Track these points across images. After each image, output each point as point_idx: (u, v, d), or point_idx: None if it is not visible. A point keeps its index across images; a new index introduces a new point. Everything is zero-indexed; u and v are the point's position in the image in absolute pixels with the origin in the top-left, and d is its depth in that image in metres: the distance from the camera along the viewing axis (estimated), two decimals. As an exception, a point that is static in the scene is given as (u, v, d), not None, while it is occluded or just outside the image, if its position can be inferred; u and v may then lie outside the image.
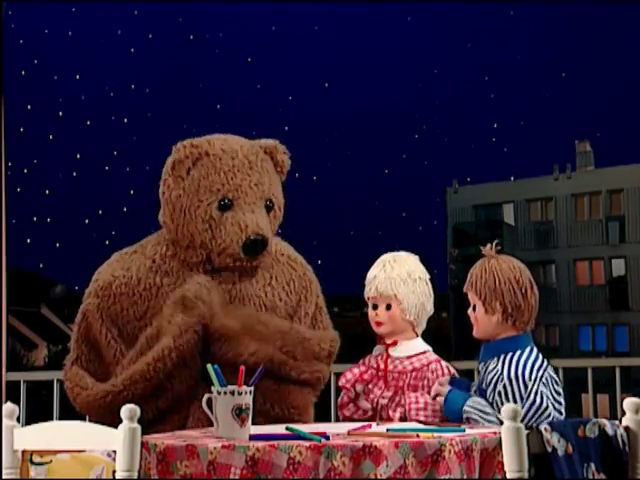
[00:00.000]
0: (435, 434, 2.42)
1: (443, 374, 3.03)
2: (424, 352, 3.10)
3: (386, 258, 3.16)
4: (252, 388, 2.60)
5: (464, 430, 2.55)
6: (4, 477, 2.47)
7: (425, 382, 3.02)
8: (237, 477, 2.28)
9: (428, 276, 3.17)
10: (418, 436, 2.40)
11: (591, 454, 2.46)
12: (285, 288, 3.31)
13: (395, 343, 3.11)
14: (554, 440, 2.41)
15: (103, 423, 2.51)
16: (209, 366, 2.63)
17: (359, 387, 3.06)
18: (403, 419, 2.94)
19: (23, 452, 2.49)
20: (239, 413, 2.53)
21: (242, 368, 2.61)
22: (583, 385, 4.77)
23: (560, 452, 2.41)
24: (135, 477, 2.31)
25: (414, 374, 3.04)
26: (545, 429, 2.42)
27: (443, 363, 3.08)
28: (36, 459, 2.54)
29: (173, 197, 3.26)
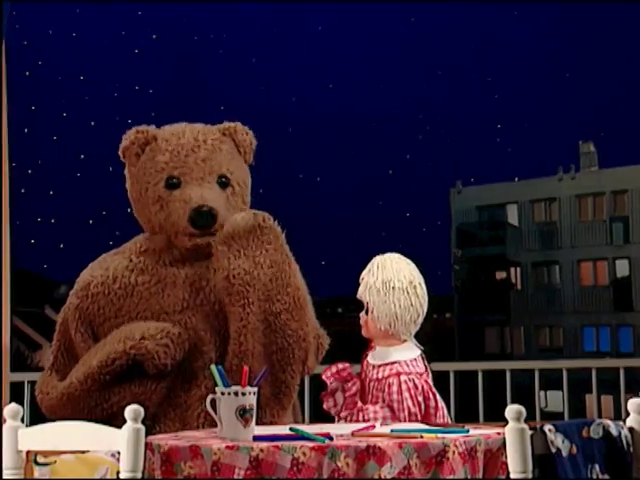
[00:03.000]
0: (439, 435, 2.42)
1: (399, 391, 2.94)
2: (393, 362, 3.02)
3: (375, 261, 3.12)
4: (256, 389, 2.60)
5: (468, 431, 2.55)
6: (7, 477, 2.47)
7: (381, 394, 2.98)
8: (241, 478, 2.28)
9: (417, 283, 3.07)
10: (422, 437, 2.40)
11: (595, 455, 2.46)
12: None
13: (372, 348, 3.11)
14: (558, 441, 2.41)
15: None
16: (213, 367, 2.63)
17: (334, 384, 3.03)
18: None
19: (27, 453, 2.50)
20: (243, 414, 2.53)
21: (245, 369, 2.61)
22: (587, 386, 4.77)
23: (564, 453, 2.41)
24: (139, 478, 2.31)
25: (376, 385, 3.01)
26: (549, 430, 2.42)
27: (403, 378, 2.96)
28: (40, 460, 2.54)
29: (129, 186, 3.30)
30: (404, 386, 2.96)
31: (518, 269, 29.07)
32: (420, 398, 2.95)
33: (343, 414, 2.99)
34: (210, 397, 2.60)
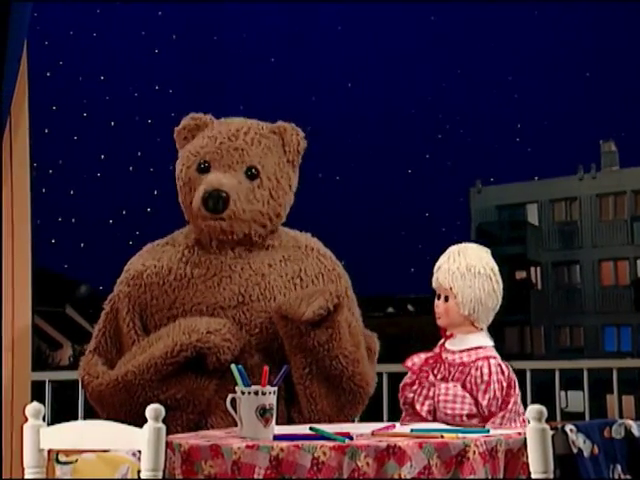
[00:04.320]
0: (459, 435, 2.42)
1: (490, 372, 2.93)
2: (477, 348, 3.01)
3: (453, 249, 3.11)
4: (276, 388, 2.60)
5: (489, 431, 2.55)
6: (29, 477, 2.49)
7: (468, 378, 2.94)
8: (261, 477, 2.29)
9: (493, 271, 3.07)
10: (442, 437, 2.39)
11: (617, 455, 2.45)
12: (314, 281, 3.30)
13: (451, 335, 3.06)
14: (580, 441, 2.40)
15: (112, 413, 2.52)
16: (233, 366, 2.64)
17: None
18: (432, 412, 2.92)
19: (49, 451, 2.51)
20: (263, 413, 2.53)
21: (266, 368, 2.61)
22: (608, 386, 4.74)
23: (586, 453, 2.40)
24: (160, 477, 2.32)
25: (460, 368, 2.98)
26: (570, 430, 2.41)
27: (492, 361, 2.96)
28: (62, 458, 2.56)
29: (176, 169, 3.34)
30: (494, 369, 2.95)
31: (538, 269, 28.98)
32: (504, 384, 2.94)
33: (414, 387, 2.98)
34: (230, 396, 2.60)
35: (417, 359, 3.05)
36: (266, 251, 3.30)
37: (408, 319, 28.15)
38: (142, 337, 3.19)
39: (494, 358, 2.99)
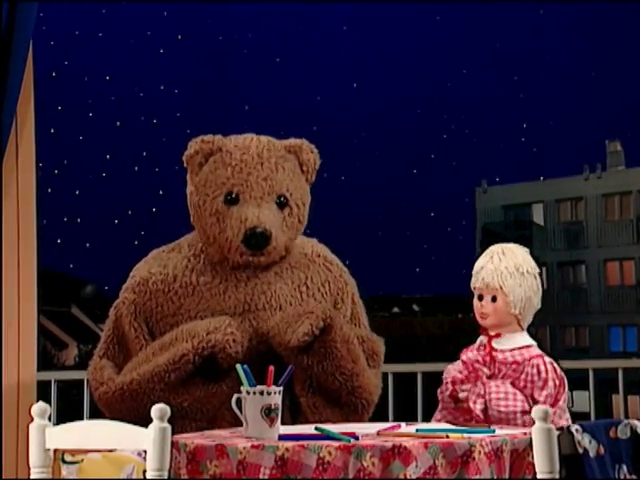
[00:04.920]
0: (465, 435, 2.42)
1: (546, 370, 2.94)
2: (527, 346, 3.01)
3: (495, 249, 3.10)
4: (281, 388, 2.60)
5: (494, 431, 2.54)
6: (35, 477, 2.49)
7: (523, 376, 2.94)
8: (266, 477, 2.29)
9: (537, 270, 3.09)
10: (448, 437, 2.39)
11: (623, 455, 2.45)
12: (320, 289, 3.30)
13: (499, 335, 3.04)
14: (585, 441, 2.40)
15: (119, 419, 2.52)
16: (238, 366, 2.64)
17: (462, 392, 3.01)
18: (484, 410, 2.90)
19: (55, 451, 2.51)
20: (268, 413, 2.54)
21: (271, 368, 2.61)
22: (614, 386, 4.74)
23: (591, 453, 2.40)
24: (165, 477, 2.32)
25: (514, 367, 2.97)
26: (576, 430, 2.41)
27: (546, 359, 2.97)
28: (67, 458, 2.56)
29: (188, 193, 3.31)
30: (549, 367, 2.95)
31: (544, 269, 28.94)
32: (557, 382, 2.95)
33: (465, 386, 2.97)
34: (236, 396, 2.61)
35: (471, 354, 3.04)
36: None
37: (413, 319, 28.15)
38: (149, 342, 3.20)
39: (546, 356, 3.00)
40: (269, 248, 3.18)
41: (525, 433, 2.45)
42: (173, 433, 2.37)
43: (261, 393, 2.55)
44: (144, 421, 2.39)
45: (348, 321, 3.31)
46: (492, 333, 3.04)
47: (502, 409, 2.87)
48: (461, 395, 2.97)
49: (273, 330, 3.10)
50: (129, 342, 3.23)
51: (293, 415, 3.12)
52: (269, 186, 3.22)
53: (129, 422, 2.44)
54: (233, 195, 3.21)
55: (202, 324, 3.10)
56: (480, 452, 2.34)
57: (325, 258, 3.38)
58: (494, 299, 3.03)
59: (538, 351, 3.01)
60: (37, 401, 2.67)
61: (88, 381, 3.25)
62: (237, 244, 3.17)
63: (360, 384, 3.15)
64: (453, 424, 2.79)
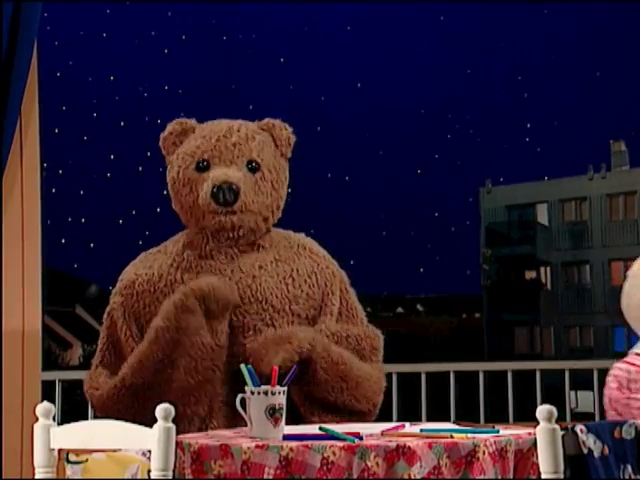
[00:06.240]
0: (469, 435, 2.41)
1: None
2: None
3: None
4: (285, 388, 2.60)
5: (498, 431, 2.54)
6: (39, 476, 2.49)
7: None
8: (271, 477, 2.29)
9: None
10: (452, 437, 2.39)
11: (627, 456, 2.44)
12: (307, 281, 3.28)
13: None
14: (590, 441, 2.40)
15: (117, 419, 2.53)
16: (242, 366, 2.64)
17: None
18: None
19: (59, 451, 2.52)
20: (272, 413, 2.54)
21: (275, 368, 2.62)
22: (618, 386, 4.72)
23: (596, 454, 2.39)
24: (170, 477, 2.32)
25: None
26: (581, 430, 2.41)
27: None
28: (72, 458, 2.56)
29: (167, 176, 3.36)
30: None
31: (548, 269, 28.92)
32: None
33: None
34: (240, 396, 2.61)
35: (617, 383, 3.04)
36: (257, 253, 3.29)
37: (418, 319, 28.14)
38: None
39: None
40: (239, 204, 3.19)
41: (529, 433, 2.45)
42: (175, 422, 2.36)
43: (265, 393, 2.55)
44: (143, 419, 2.39)
45: (342, 315, 3.29)
46: None
47: None
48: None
49: (252, 356, 3.08)
50: (123, 345, 3.24)
51: (294, 416, 3.12)
52: (239, 150, 3.28)
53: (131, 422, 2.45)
54: (204, 163, 3.26)
55: (170, 299, 3.13)
56: (484, 452, 2.34)
57: (311, 250, 3.38)
58: None
59: None
60: (41, 401, 2.67)
61: (85, 391, 3.26)
62: (207, 202, 3.19)
63: (356, 394, 3.14)
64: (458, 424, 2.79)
